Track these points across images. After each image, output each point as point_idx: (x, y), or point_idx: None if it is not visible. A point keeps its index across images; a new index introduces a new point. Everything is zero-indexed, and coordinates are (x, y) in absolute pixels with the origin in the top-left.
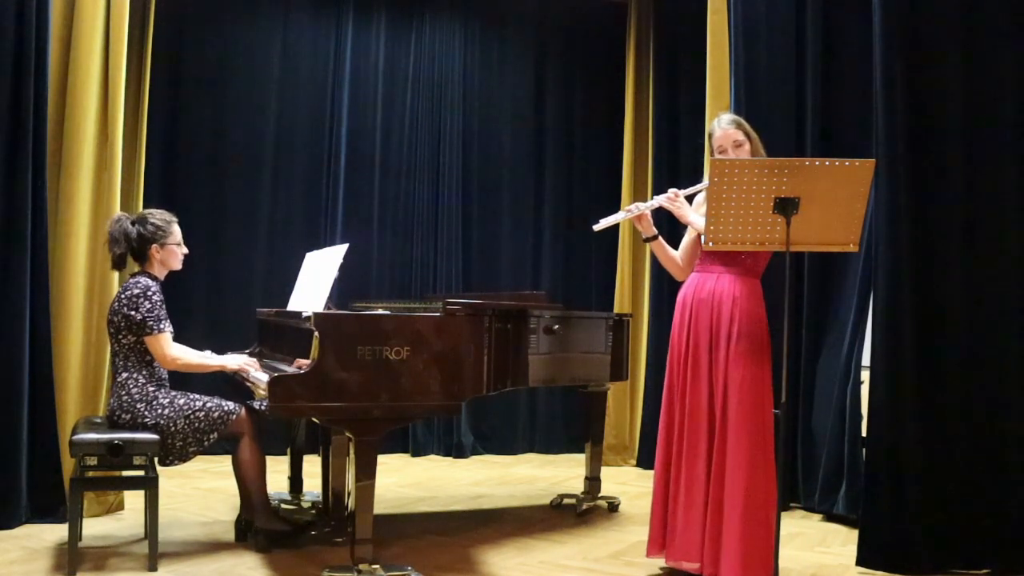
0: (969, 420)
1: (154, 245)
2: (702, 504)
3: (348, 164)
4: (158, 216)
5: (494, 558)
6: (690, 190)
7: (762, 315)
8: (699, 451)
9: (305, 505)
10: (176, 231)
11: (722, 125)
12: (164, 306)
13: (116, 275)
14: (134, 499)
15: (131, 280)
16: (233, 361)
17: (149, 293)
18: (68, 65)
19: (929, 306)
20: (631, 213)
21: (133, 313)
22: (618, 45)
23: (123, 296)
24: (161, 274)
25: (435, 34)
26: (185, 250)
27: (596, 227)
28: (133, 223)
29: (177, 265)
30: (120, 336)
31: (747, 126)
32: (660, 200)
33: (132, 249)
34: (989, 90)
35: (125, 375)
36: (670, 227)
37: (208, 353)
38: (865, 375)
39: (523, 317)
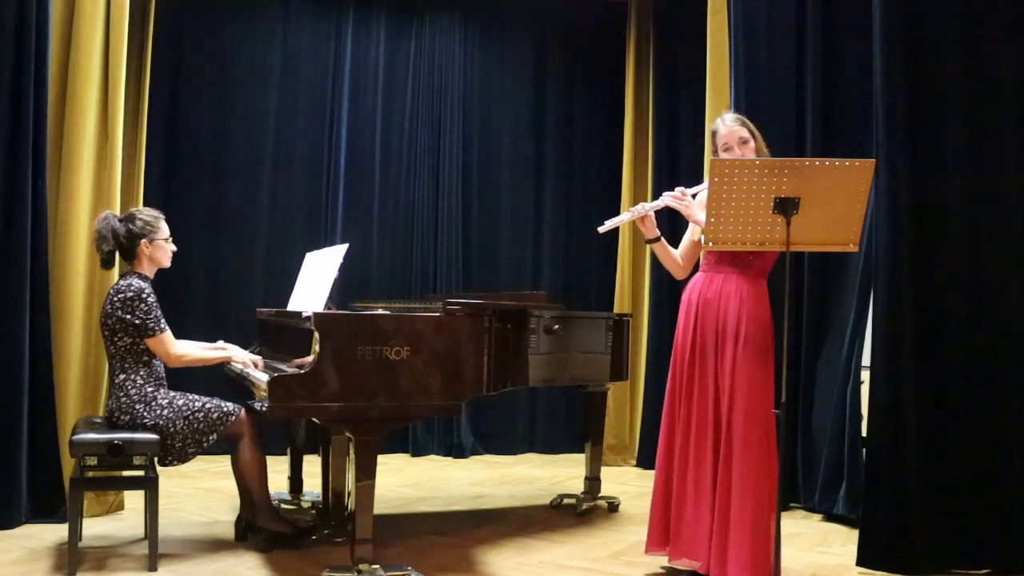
0: (969, 420)
1: (143, 240)
2: (709, 504)
3: (348, 164)
4: (146, 212)
5: (494, 558)
6: (694, 189)
7: (768, 316)
8: (706, 452)
9: (305, 505)
10: (164, 227)
11: (727, 123)
12: (159, 306)
13: (116, 275)
14: (134, 499)
15: (122, 282)
16: (240, 355)
17: (144, 295)
18: (68, 65)
19: (929, 306)
20: (636, 213)
21: (129, 316)
22: (618, 45)
23: (115, 299)
24: (151, 272)
25: (435, 34)
26: (174, 247)
27: (601, 228)
28: (121, 220)
29: (167, 262)
30: (116, 338)
31: (751, 124)
32: (666, 199)
33: (121, 246)
34: (989, 90)
35: (123, 376)
36: (670, 226)
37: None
38: (865, 375)
39: (523, 317)
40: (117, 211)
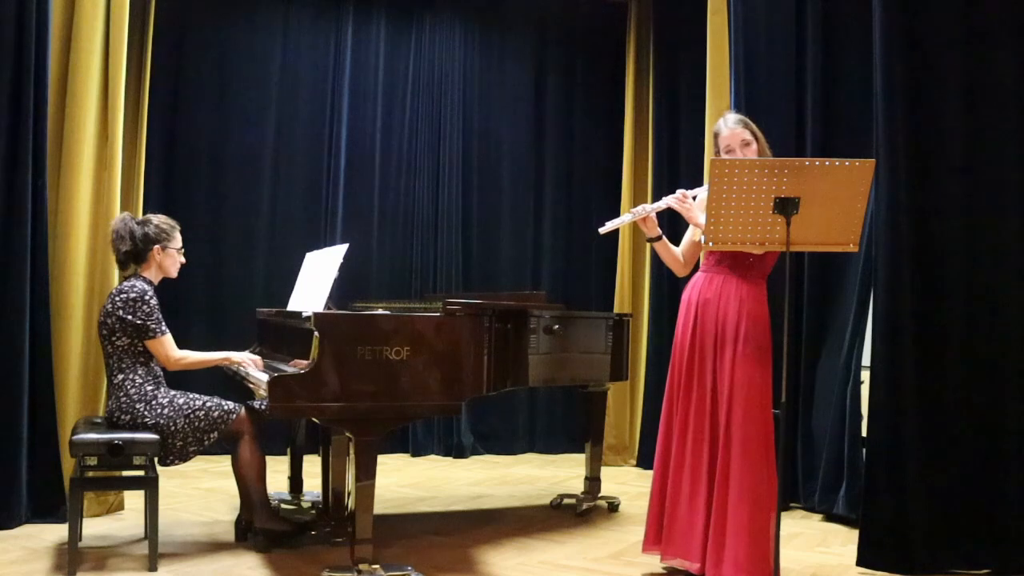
0: (969, 420)
1: (156, 246)
2: (704, 504)
3: (348, 164)
4: (163, 220)
5: (494, 558)
6: (696, 191)
7: (767, 317)
8: (703, 452)
9: (305, 505)
10: (178, 237)
11: (729, 124)
12: (160, 309)
13: (116, 275)
14: (134, 499)
15: (125, 284)
16: (238, 355)
17: (146, 297)
18: (68, 65)
19: (929, 306)
20: (637, 215)
21: (130, 317)
22: (618, 45)
23: (117, 299)
24: (156, 279)
25: (435, 34)
26: (183, 259)
27: (602, 230)
28: (138, 223)
29: (174, 273)
30: (114, 338)
31: (753, 125)
32: (668, 201)
33: (135, 248)
34: (989, 90)
35: (121, 376)
36: (670, 226)
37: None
38: (865, 375)
39: (523, 317)
40: (117, 212)
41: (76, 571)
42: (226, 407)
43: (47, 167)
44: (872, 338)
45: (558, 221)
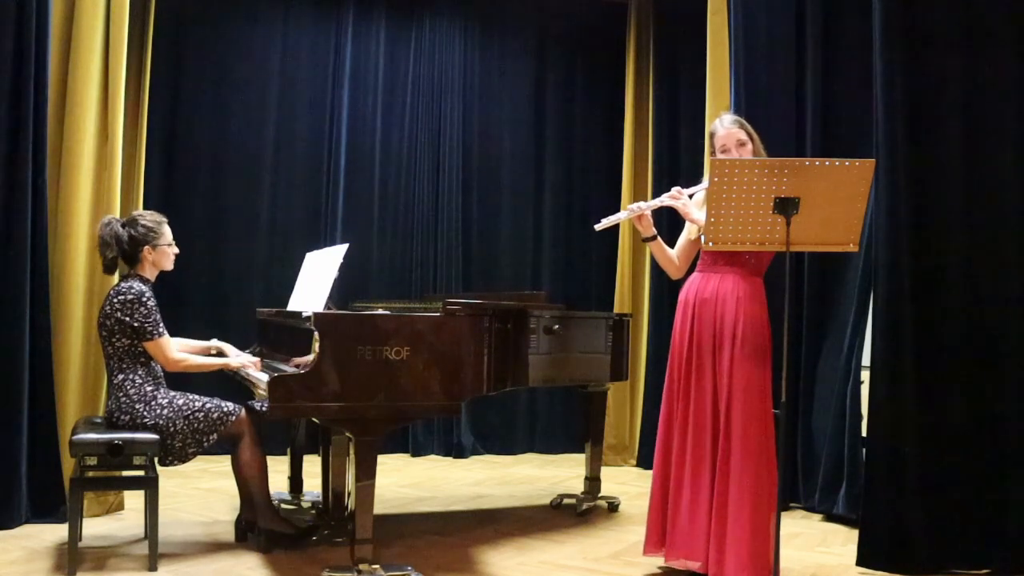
0: (969, 420)
1: (146, 247)
2: (706, 504)
3: (348, 164)
4: (148, 217)
5: (494, 558)
6: (691, 189)
7: (765, 316)
8: (704, 452)
9: (305, 505)
10: (167, 231)
11: (725, 124)
12: (158, 310)
13: (116, 275)
14: (134, 499)
15: (123, 284)
16: (236, 360)
17: (144, 299)
18: (68, 65)
19: (929, 306)
20: (633, 212)
21: (128, 319)
22: (618, 45)
23: (115, 300)
24: (152, 275)
25: (435, 35)
26: (176, 250)
27: (598, 226)
28: (123, 225)
29: (169, 266)
30: (114, 339)
31: (748, 126)
32: (664, 199)
33: (123, 252)
34: (989, 90)
35: (121, 377)
36: (670, 226)
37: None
38: (865, 375)
39: (523, 317)
40: (117, 212)
41: (76, 571)
42: (225, 408)
43: (47, 167)
44: (872, 338)
45: (558, 221)
